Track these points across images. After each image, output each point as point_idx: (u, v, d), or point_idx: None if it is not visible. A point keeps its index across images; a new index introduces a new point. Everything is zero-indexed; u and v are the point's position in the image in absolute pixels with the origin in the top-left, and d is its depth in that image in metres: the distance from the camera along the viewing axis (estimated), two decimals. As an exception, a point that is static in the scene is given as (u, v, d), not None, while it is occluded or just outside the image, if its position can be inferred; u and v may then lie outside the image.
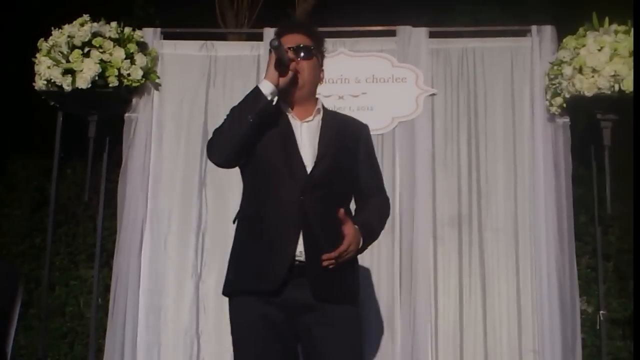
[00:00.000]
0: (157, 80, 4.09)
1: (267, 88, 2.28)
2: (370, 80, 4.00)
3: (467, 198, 3.86)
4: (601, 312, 3.73)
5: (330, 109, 2.59)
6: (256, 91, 2.29)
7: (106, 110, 4.02)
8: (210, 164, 3.93)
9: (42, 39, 3.95)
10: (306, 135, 2.38)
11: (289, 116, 2.40)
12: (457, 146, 3.93)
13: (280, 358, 2.25)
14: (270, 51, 2.28)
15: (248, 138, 2.29)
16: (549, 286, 3.64)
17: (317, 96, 2.49)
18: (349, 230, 2.23)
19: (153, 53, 4.08)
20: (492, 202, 3.86)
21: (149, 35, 4.14)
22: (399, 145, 3.90)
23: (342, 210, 2.22)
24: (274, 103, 2.33)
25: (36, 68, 3.91)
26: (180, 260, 3.98)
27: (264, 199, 2.30)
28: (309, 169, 2.31)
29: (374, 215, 2.42)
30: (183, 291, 3.95)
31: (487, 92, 3.98)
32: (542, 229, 3.72)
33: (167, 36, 4.20)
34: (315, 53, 2.42)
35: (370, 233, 2.36)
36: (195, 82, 4.12)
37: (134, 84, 3.93)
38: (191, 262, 3.96)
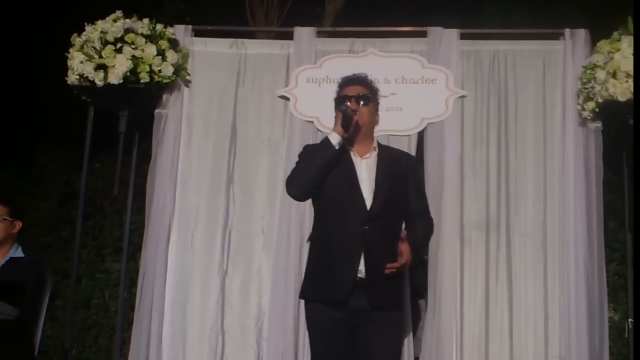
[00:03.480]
0: (187, 77, 4.12)
1: (335, 139, 2.84)
2: (400, 81, 3.98)
3: (495, 202, 3.83)
4: (629, 320, 3.68)
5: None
6: (326, 142, 2.86)
7: (137, 106, 4.05)
8: (238, 161, 4.07)
9: (76, 35, 3.99)
10: (365, 170, 2.90)
11: (351, 154, 2.92)
12: (486, 149, 3.90)
13: (345, 351, 2.78)
14: (337, 110, 2.90)
15: (318, 177, 2.85)
16: (577, 292, 3.61)
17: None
18: (405, 248, 2.74)
19: (184, 50, 4.10)
20: (521, 207, 3.83)
21: (180, 32, 4.16)
22: (427, 146, 3.88)
23: (404, 233, 2.78)
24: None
25: (69, 63, 3.95)
26: (207, 256, 4.00)
27: (331, 226, 2.85)
28: (368, 203, 2.83)
29: (420, 235, 2.94)
30: (209, 287, 3.97)
31: (518, 95, 3.95)
32: (571, 235, 3.69)
33: (197, 33, 4.22)
34: (372, 100, 2.97)
35: (416, 250, 2.87)
36: (224, 80, 4.14)
37: (164, 81, 3.96)
38: (217, 259, 3.99)
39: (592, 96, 3.67)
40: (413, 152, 3.86)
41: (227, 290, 3.96)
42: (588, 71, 3.70)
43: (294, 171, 2.94)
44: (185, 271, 4.01)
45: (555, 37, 4.01)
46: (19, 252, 3.65)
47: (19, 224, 3.68)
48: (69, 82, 3.99)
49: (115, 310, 4.59)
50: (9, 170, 5.09)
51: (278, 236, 3.92)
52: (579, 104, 3.81)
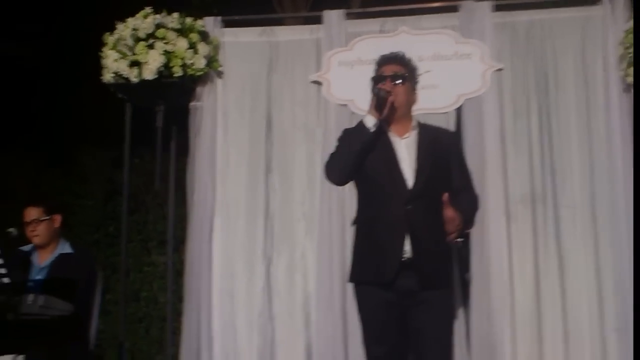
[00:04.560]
0: (219, 69, 4.12)
1: (370, 122, 2.80)
2: (434, 58, 3.90)
3: (540, 175, 3.75)
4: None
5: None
6: (361, 125, 2.82)
7: (172, 100, 4.08)
8: (275, 148, 4.08)
9: (108, 33, 4.03)
10: (405, 150, 2.85)
11: (390, 134, 2.87)
12: (527, 122, 3.81)
13: (395, 331, 2.78)
14: (372, 94, 2.84)
15: (357, 161, 2.81)
16: (630, 264, 3.51)
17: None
18: (451, 212, 2.71)
19: (215, 41, 4.11)
20: (567, 179, 3.74)
21: (210, 24, 4.16)
22: (466, 123, 3.82)
23: (446, 195, 2.70)
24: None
25: (103, 61, 4.00)
26: (250, 244, 4.04)
27: (375, 209, 2.83)
28: (409, 182, 2.80)
29: (464, 206, 2.82)
30: (254, 275, 4.01)
31: (558, 65, 3.85)
32: (622, 205, 3.59)
33: (227, 24, 4.21)
34: (409, 79, 2.91)
35: (464, 221, 2.78)
36: (257, 69, 4.14)
37: (197, 73, 3.97)
38: (261, 246, 4.02)
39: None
40: (451, 129, 3.80)
41: (273, 277, 3.99)
42: (630, 35, 3.58)
43: (331, 156, 2.91)
44: (230, 260, 4.05)
45: (593, 1, 3.89)
46: (67, 248, 3.74)
47: (58, 218, 3.74)
48: (104, 81, 4.04)
49: (164, 301, 4.67)
50: (54, 171, 5.20)
51: (319, 221, 3.92)
52: (622, 69, 3.69)
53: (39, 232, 3.66)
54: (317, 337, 3.85)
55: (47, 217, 3.67)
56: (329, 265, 3.84)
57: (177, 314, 4.30)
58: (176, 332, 4.25)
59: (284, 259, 3.99)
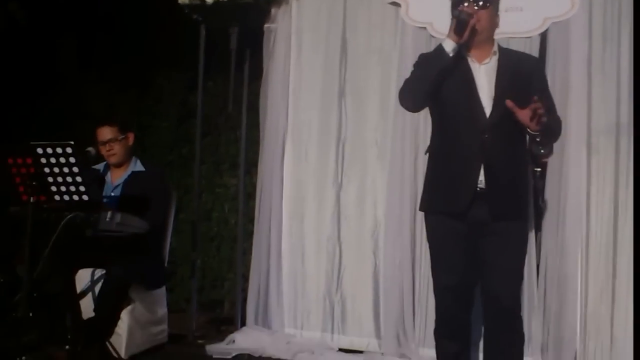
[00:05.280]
0: (295, -10, 4.05)
1: (449, 46, 2.67)
2: (520, -21, 3.71)
3: (627, 106, 3.53)
4: None
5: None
6: (439, 49, 2.70)
7: (246, 22, 4.06)
8: (349, 72, 4.02)
9: (184, -46, 4.00)
10: (484, 77, 2.72)
11: (469, 60, 2.74)
12: (617, 48, 3.57)
13: (465, 261, 2.75)
14: (452, 16, 2.68)
15: (433, 87, 2.70)
16: None
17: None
18: (523, 111, 2.57)
19: (291, -38, 4.02)
20: (657, 111, 3.54)
21: (288, -56, 4.06)
22: (551, 48, 3.63)
23: (509, 101, 2.59)
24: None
25: (179, -18, 3.98)
26: (321, 169, 4.06)
27: (450, 137, 2.75)
28: (487, 111, 2.68)
29: (547, 126, 2.65)
30: (324, 199, 4.04)
31: (655, -14, 3.58)
32: None
33: (304, -56, 4.11)
34: (492, 1, 2.73)
35: (545, 127, 2.61)
36: (333, -10, 4.04)
37: (273, -6, 3.92)
38: (331, 171, 4.03)
39: None
40: (534, 55, 3.63)
41: (343, 202, 4.01)
42: None
43: (407, 81, 2.81)
44: (301, 184, 4.09)
45: None
46: (139, 166, 3.78)
47: (131, 136, 3.77)
48: (180, 2, 4.03)
49: (234, 222, 4.77)
50: (130, 93, 5.29)
51: (392, 148, 3.88)
52: None
53: (116, 151, 3.70)
54: (385, 263, 3.88)
55: (123, 136, 3.72)
56: (399, 192, 3.82)
57: (248, 234, 4.40)
58: (246, 252, 4.37)
59: (354, 185, 3.99)
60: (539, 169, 3.82)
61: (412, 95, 2.78)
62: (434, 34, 3.75)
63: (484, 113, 2.68)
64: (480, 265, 2.75)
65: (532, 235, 3.45)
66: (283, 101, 4.09)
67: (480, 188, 2.67)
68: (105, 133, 3.71)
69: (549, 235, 3.61)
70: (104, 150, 3.71)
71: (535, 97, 2.54)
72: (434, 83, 2.69)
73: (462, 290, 2.78)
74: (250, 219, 4.41)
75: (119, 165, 3.76)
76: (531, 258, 3.52)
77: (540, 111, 2.54)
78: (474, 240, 2.73)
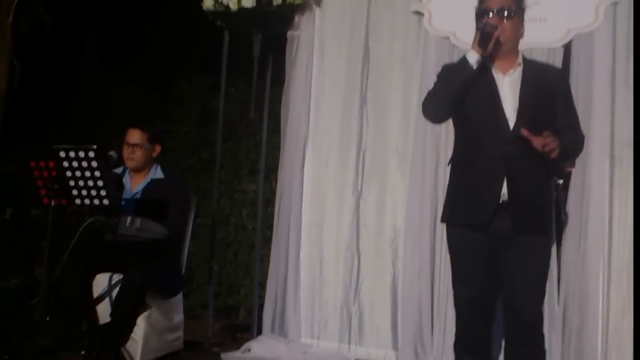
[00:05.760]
0: (318, -3, 4.06)
1: (473, 58, 2.65)
2: (544, -11, 3.68)
3: (651, 118, 3.51)
4: None
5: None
6: (463, 61, 2.68)
7: (269, 29, 4.08)
8: (371, 80, 4.01)
9: (210, -40, 4.02)
10: (508, 88, 2.70)
11: (493, 71, 2.72)
12: (642, 61, 3.55)
13: (486, 274, 2.72)
14: (476, 28, 2.67)
15: (456, 99, 2.69)
16: None
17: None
18: (538, 138, 2.55)
19: (315, -31, 4.03)
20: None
21: (310, -49, 4.07)
22: (574, 59, 3.60)
23: (524, 130, 2.58)
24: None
25: (204, -12, 4.00)
26: (341, 177, 4.05)
27: (473, 148, 2.73)
28: (511, 122, 2.66)
29: (568, 142, 2.67)
30: (344, 207, 4.03)
31: (683, -1, 3.53)
32: None
33: (328, -49, 4.11)
34: (517, 12, 2.72)
35: (563, 154, 2.64)
36: (356, -3, 4.04)
37: (296, 2, 3.96)
38: (352, 179, 4.02)
39: None
40: (558, 66, 3.60)
41: (362, 210, 3.99)
42: None
43: (430, 93, 2.78)
44: (321, 192, 4.09)
45: None
46: (159, 173, 3.72)
47: (158, 149, 3.72)
48: (204, 8, 4.06)
49: (252, 228, 4.77)
50: (151, 96, 5.33)
51: (413, 157, 3.87)
52: None
53: (136, 157, 3.66)
54: (404, 273, 3.85)
55: (149, 146, 3.68)
56: (419, 202, 3.80)
57: (265, 240, 4.40)
58: (263, 258, 4.36)
59: (374, 193, 3.98)
60: (561, 181, 3.78)
61: (435, 107, 2.77)
62: (456, 43, 3.73)
63: (507, 125, 2.66)
64: (502, 278, 2.72)
65: (553, 249, 3.41)
66: (304, 108, 4.09)
67: (503, 200, 2.65)
68: (134, 136, 3.67)
69: (570, 249, 3.56)
70: (126, 151, 3.66)
71: (546, 133, 2.54)
72: (458, 95, 2.68)
73: (483, 303, 2.75)
74: (268, 225, 4.41)
75: (136, 170, 3.72)
76: (552, 271, 3.49)
77: (549, 148, 2.54)
78: (496, 253, 2.70)
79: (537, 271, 2.72)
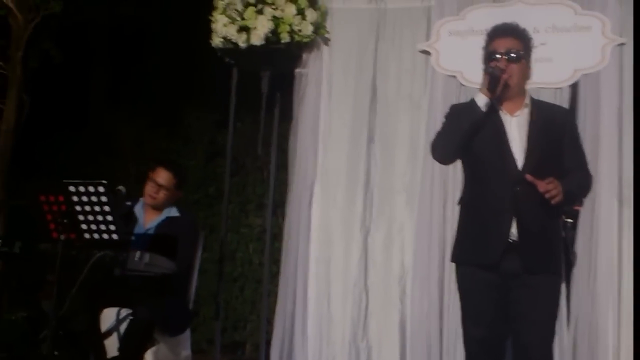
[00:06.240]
0: (326, 35, 4.11)
1: (481, 101, 2.68)
2: (550, 30, 3.74)
3: (659, 159, 3.53)
4: None
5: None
6: (472, 103, 2.70)
7: (278, 66, 4.12)
8: (378, 118, 4.04)
9: (219, -3, 4.08)
10: (516, 129, 2.72)
11: (501, 112, 2.74)
12: (649, 100, 3.59)
13: (495, 313, 2.71)
14: (484, 69, 2.70)
15: (464, 140, 2.71)
16: None
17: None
18: (543, 184, 2.55)
19: (322, 8, 4.09)
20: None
21: (317, -12, 4.14)
22: (581, 99, 3.64)
23: (528, 175, 2.60)
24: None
25: (213, 26, 4.06)
26: (349, 214, 4.04)
27: (482, 188, 2.75)
28: (519, 163, 2.68)
29: (575, 185, 2.71)
30: (351, 244, 4.02)
31: (687, 41, 3.59)
32: None
33: (344, -9, 4.18)
34: (524, 55, 2.75)
35: (569, 198, 2.67)
36: (364, 36, 4.10)
37: (304, 40, 3.98)
38: (359, 216, 4.02)
39: None
40: (565, 106, 3.63)
41: (370, 248, 3.99)
42: None
43: (439, 134, 2.80)
44: (328, 228, 4.08)
45: None
46: (174, 212, 3.70)
47: (179, 194, 3.70)
48: (213, 45, 4.11)
49: (259, 263, 4.77)
50: (159, 131, 5.38)
51: (420, 195, 3.88)
52: None
53: (159, 198, 3.62)
54: (412, 311, 3.84)
55: (174, 190, 3.65)
56: (427, 240, 3.80)
57: (272, 276, 4.39)
58: (270, 294, 4.35)
59: (382, 231, 3.98)
60: (570, 220, 3.79)
61: (444, 149, 2.79)
62: (464, 82, 3.78)
63: (515, 165, 2.67)
64: (512, 318, 2.70)
65: (562, 288, 3.40)
66: (312, 145, 4.11)
67: (512, 240, 2.66)
68: (163, 176, 3.62)
69: (580, 288, 3.57)
70: (149, 188, 3.62)
71: (549, 179, 2.55)
72: (466, 136, 2.70)
73: (492, 343, 2.74)
74: (275, 260, 4.41)
75: (154, 208, 3.69)
76: (561, 311, 3.47)
77: (550, 195, 2.55)
78: (506, 293, 2.69)
79: (547, 311, 2.70)
